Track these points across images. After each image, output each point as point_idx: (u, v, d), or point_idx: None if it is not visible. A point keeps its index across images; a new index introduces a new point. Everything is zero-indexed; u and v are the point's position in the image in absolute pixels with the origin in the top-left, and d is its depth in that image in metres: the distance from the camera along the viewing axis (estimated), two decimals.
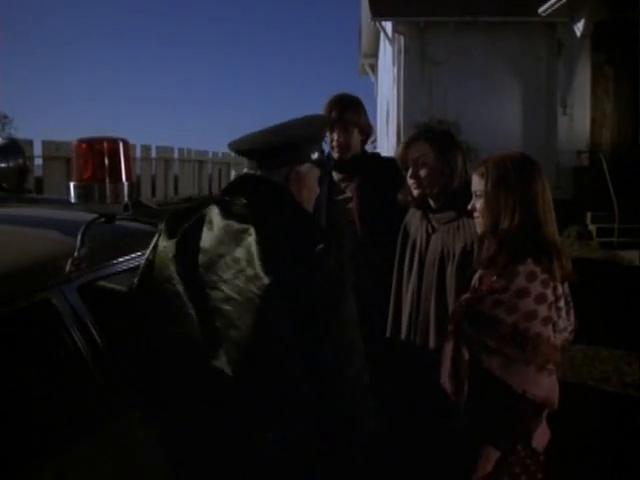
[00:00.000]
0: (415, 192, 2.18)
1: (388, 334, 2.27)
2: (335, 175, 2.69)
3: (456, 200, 2.10)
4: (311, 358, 1.44)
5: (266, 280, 1.41)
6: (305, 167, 1.62)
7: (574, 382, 4.27)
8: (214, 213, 1.58)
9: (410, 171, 2.17)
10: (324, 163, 1.69)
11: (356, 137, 2.63)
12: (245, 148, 1.64)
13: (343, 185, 2.66)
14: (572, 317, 1.88)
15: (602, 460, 3.28)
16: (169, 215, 1.69)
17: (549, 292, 1.74)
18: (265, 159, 1.62)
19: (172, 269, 1.56)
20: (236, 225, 1.52)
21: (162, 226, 1.67)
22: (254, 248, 1.45)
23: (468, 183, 2.09)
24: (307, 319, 1.43)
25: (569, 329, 1.86)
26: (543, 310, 1.72)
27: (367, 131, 2.69)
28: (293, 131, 1.62)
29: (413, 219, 2.27)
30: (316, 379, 1.44)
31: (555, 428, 1.89)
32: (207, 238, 1.55)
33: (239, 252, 1.48)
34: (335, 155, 2.63)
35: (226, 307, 1.47)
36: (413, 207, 2.27)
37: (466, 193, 2.04)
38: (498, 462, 1.76)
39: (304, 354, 1.44)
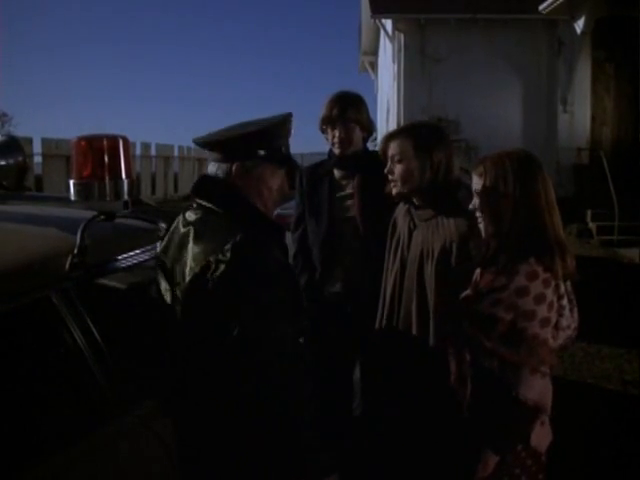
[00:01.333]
0: (393, 189, 2.17)
1: (376, 327, 2.26)
2: (336, 172, 2.67)
3: (436, 197, 2.08)
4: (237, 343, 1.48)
5: (184, 285, 1.57)
6: (253, 162, 1.65)
7: (574, 380, 4.28)
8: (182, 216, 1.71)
9: (388, 167, 2.14)
10: (283, 159, 1.71)
11: (357, 134, 2.60)
12: (200, 141, 1.71)
13: (344, 182, 2.65)
14: (575, 315, 1.85)
15: (602, 458, 3.27)
16: (172, 218, 1.81)
17: (549, 292, 1.71)
18: (215, 153, 1.69)
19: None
20: (182, 229, 1.67)
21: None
22: (189, 251, 1.59)
23: (453, 181, 2.08)
24: (224, 310, 1.49)
25: (572, 327, 1.83)
26: (542, 311, 1.69)
27: (369, 128, 2.66)
28: (240, 128, 1.66)
29: (400, 214, 2.26)
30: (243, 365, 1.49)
31: (555, 426, 1.88)
32: (173, 241, 1.69)
33: (184, 255, 1.61)
34: (336, 151, 2.61)
35: (176, 307, 1.61)
36: (397, 201, 2.26)
37: (449, 191, 2.04)
38: (498, 463, 1.74)
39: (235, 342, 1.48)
